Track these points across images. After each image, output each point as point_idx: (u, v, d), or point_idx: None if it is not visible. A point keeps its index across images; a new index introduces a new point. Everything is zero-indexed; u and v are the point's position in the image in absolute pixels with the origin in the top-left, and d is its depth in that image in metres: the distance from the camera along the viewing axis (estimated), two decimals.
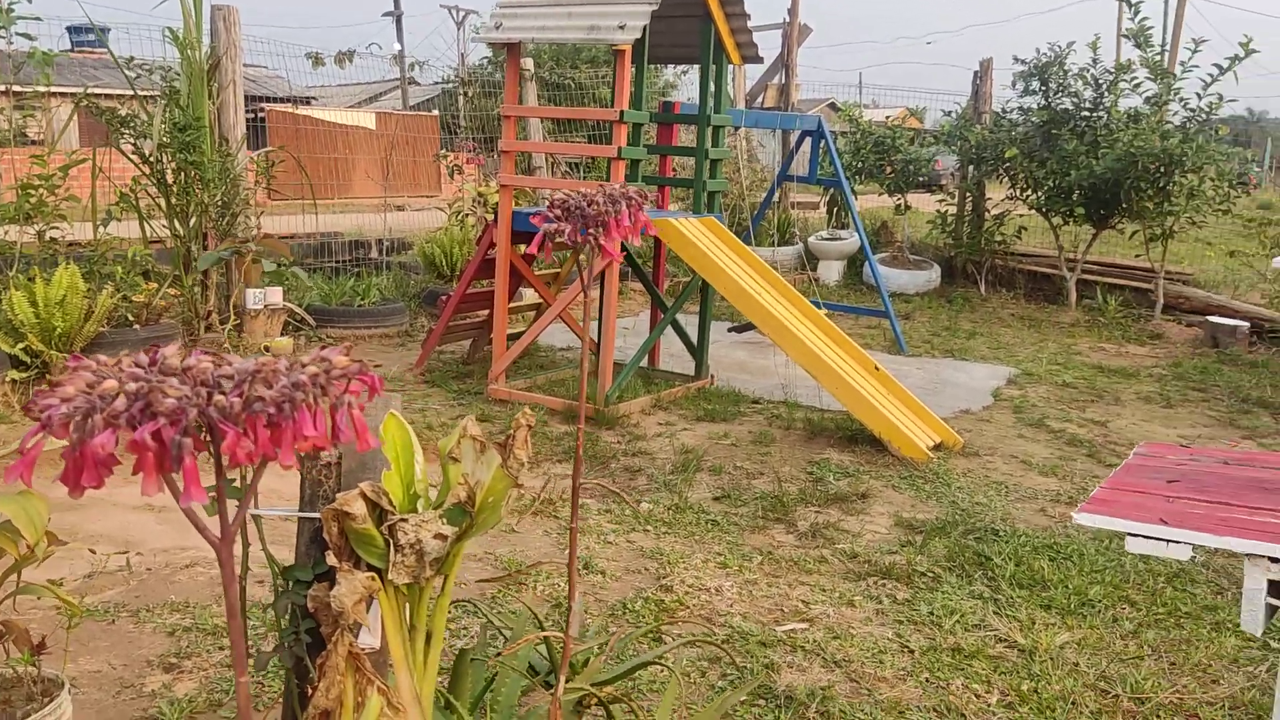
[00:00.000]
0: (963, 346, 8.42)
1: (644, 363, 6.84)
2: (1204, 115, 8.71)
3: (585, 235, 1.51)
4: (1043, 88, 9.20)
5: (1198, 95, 8.74)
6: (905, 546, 4.24)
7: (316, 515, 1.58)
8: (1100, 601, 3.80)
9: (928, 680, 3.20)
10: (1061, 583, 3.92)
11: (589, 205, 1.49)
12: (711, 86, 6.30)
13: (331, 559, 1.45)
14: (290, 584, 1.65)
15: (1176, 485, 1.95)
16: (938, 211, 10.46)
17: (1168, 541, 1.69)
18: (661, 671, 3.14)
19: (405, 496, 1.50)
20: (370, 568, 1.48)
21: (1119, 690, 3.21)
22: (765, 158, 13.84)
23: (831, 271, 10.76)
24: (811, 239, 10.91)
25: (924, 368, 7.64)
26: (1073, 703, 3.12)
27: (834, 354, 5.70)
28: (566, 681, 2.21)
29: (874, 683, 3.17)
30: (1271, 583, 1.64)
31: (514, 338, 6.49)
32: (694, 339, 6.78)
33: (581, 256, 1.68)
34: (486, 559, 3.97)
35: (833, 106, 11.66)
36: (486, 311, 6.92)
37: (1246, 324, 8.86)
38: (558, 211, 1.51)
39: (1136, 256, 10.21)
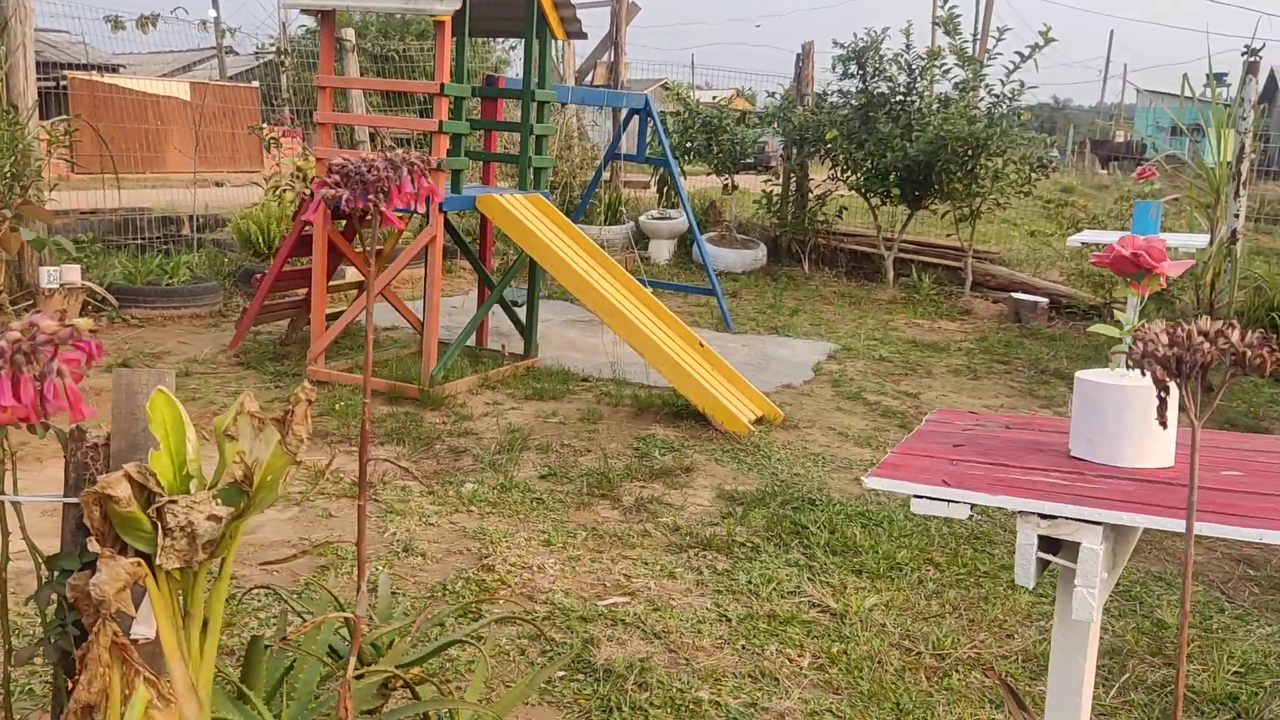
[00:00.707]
0: (787, 323, 8.64)
1: (472, 342, 6.75)
2: (1008, 101, 9.18)
3: (365, 201, 1.46)
4: (860, 72, 9.51)
5: (1001, 82, 9.21)
6: (726, 518, 4.32)
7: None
8: (908, 564, 3.96)
9: (744, 647, 3.27)
10: (872, 548, 4.07)
11: (369, 171, 1.44)
12: (536, 61, 6.23)
13: (94, 545, 1.36)
14: (55, 574, 1.54)
15: (961, 449, 2.03)
16: (763, 192, 10.68)
17: (948, 501, 1.76)
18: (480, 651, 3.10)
19: (176, 477, 1.41)
20: (139, 554, 1.39)
21: (922, 648, 3.36)
22: (599, 136, 13.85)
23: (662, 250, 10.86)
24: (642, 218, 10.98)
25: (749, 344, 7.81)
26: (879, 662, 3.25)
27: (660, 331, 5.75)
28: (372, 665, 2.15)
29: (692, 652, 3.22)
30: (1042, 538, 1.73)
31: (335, 317, 6.28)
32: (523, 317, 6.72)
33: (378, 231, 1.62)
34: (301, 545, 3.84)
35: (665, 87, 11.75)
36: (305, 290, 6.68)
37: (1046, 300, 9.42)
38: (336, 177, 1.45)
39: (947, 236, 10.71)
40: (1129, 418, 1.87)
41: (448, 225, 6.17)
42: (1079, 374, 1.94)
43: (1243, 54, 8.48)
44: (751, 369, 6.82)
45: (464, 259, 9.38)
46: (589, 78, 11.83)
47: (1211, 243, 8.40)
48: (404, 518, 4.12)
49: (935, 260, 10.67)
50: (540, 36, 6.22)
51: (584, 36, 6.47)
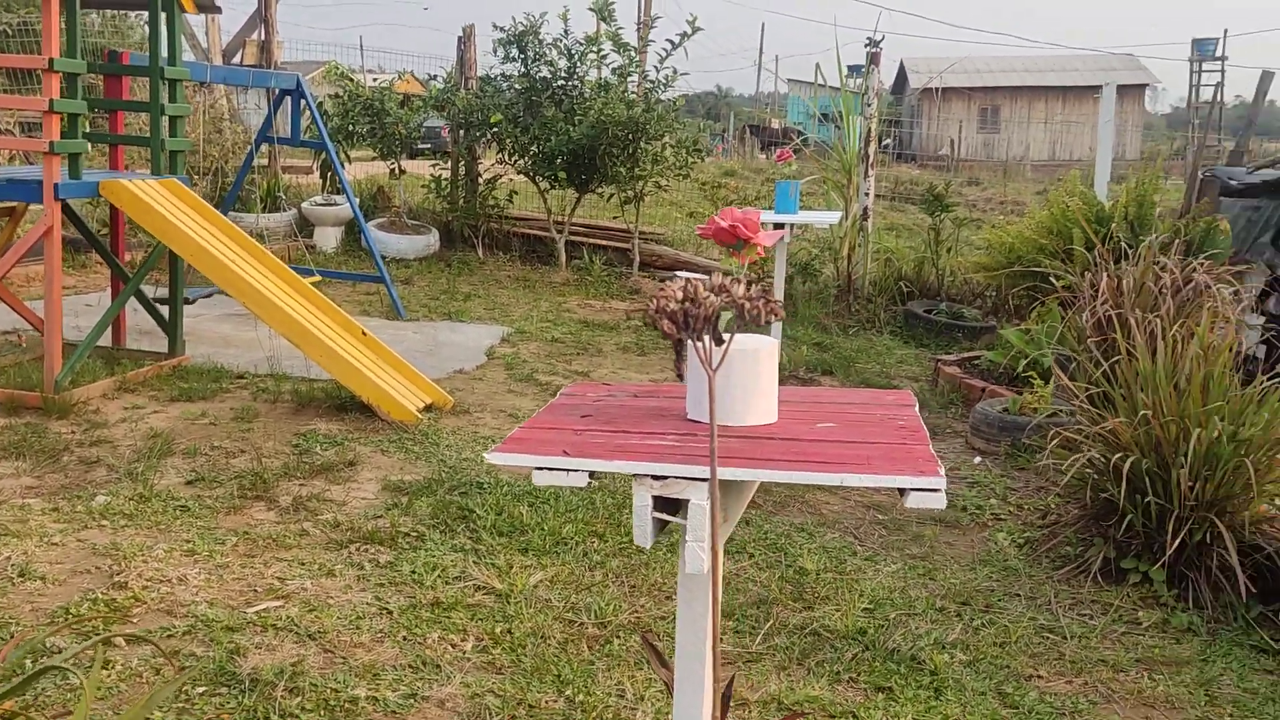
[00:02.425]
0: (460, 309, 8.57)
1: (108, 341, 6.17)
2: (663, 87, 9.56)
3: None
4: (521, 56, 9.56)
5: (656, 69, 9.57)
6: (391, 509, 4.21)
7: None
8: (573, 539, 4.03)
9: (405, 638, 3.20)
10: (539, 525, 4.11)
11: None
12: (165, 36, 5.76)
13: None
14: None
15: (588, 419, 2.06)
16: (432, 176, 10.52)
17: (567, 471, 1.78)
18: (107, 676, 2.83)
19: None
20: None
21: (585, 618, 3.42)
22: (259, 120, 13.07)
23: (329, 238, 10.44)
24: (305, 204, 10.50)
25: (421, 331, 7.67)
26: (542, 636, 3.28)
27: (319, 322, 5.52)
28: None
29: (349, 650, 3.10)
30: (656, 499, 1.78)
31: None
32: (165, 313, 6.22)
33: None
34: None
35: (332, 70, 11.29)
36: None
37: (707, 277, 9.91)
38: None
39: (614, 219, 11.02)
40: (735, 380, 1.97)
41: (73, 216, 5.60)
42: (692, 342, 2.02)
43: (866, 45, 9.30)
44: (423, 356, 6.70)
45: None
46: (238, 57, 11.12)
47: (846, 219, 9.19)
48: (20, 539, 3.69)
49: (605, 242, 10.95)
50: (167, 9, 5.75)
51: (218, 10, 6.08)
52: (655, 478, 1.77)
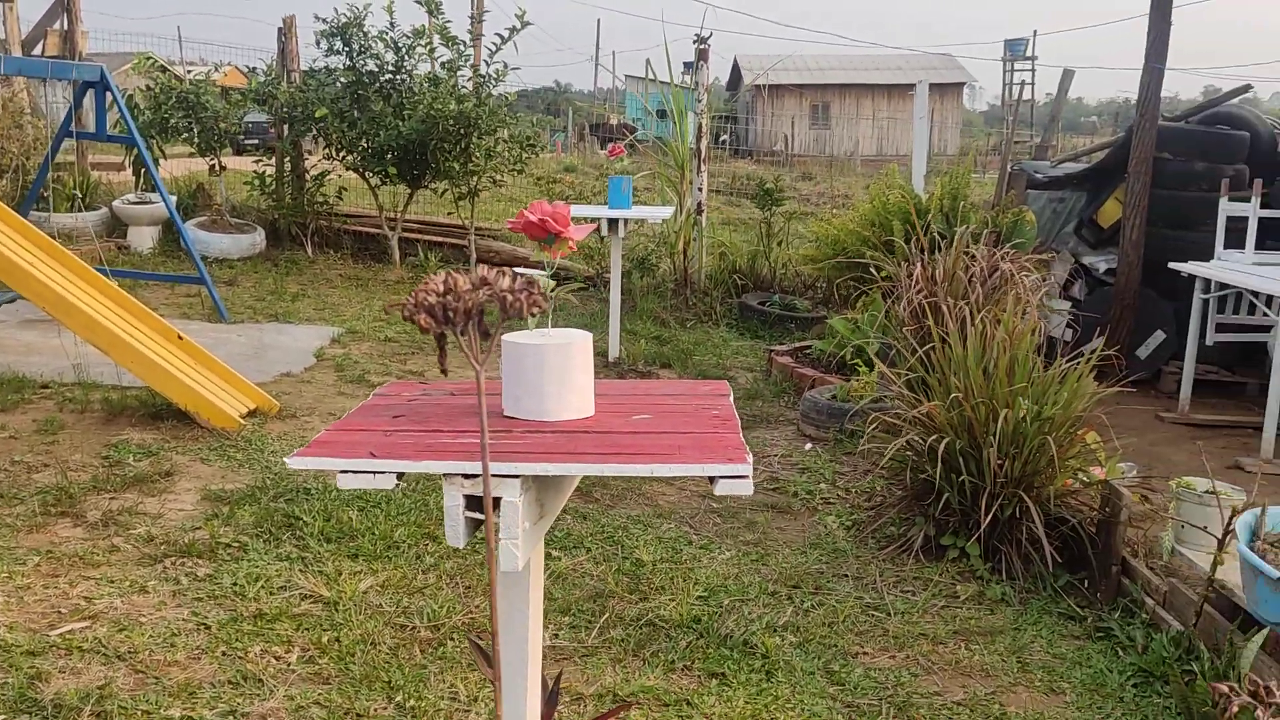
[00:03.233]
0: (288, 309, 8.27)
1: None
2: (494, 82, 9.45)
3: None
4: (346, 48, 9.29)
5: (486, 63, 9.46)
6: (211, 520, 4.02)
7: None
8: (405, 542, 3.94)
9: (224, 654, 3.06)
10: (369, 530, 4.00)
11: None
12: None
13: None
14: None
15: (400, 419, 2.01)
16: (255, 173, 10.12)
17: (373, 473, 1.73)
18: None
19: None
20: None
21: (417, 622, 3.35)
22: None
23: (144, 238, 9.90)
24: (117, 203, 9.93)
25: (246, 334, 7.37)
26: (372, 643, 3.19)
27: (128, 326, 5.22)
28: None
29: (163, 669, 2.95)
30: (468, 498, 1.75)
31: None
32: None
33: None
34: None
35: (164, 68, 10.68)
36: None
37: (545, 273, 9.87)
38: None
39: (449, 215, 10.85)
40: (548, 375, 1.95)
41: None
42: (505, 337, 1.99)
43: (695, 42, 9.43)
44: (247, 359, 6.44)
45: None
46: (39, 48, 10.43)
47: (681, 214, 9.30)
48: None
49: (441, 239, 10.77)
50: None
51: None
52: (466, 476, 1.73)
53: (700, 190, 9.41)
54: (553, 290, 2.06)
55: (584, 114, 36.70)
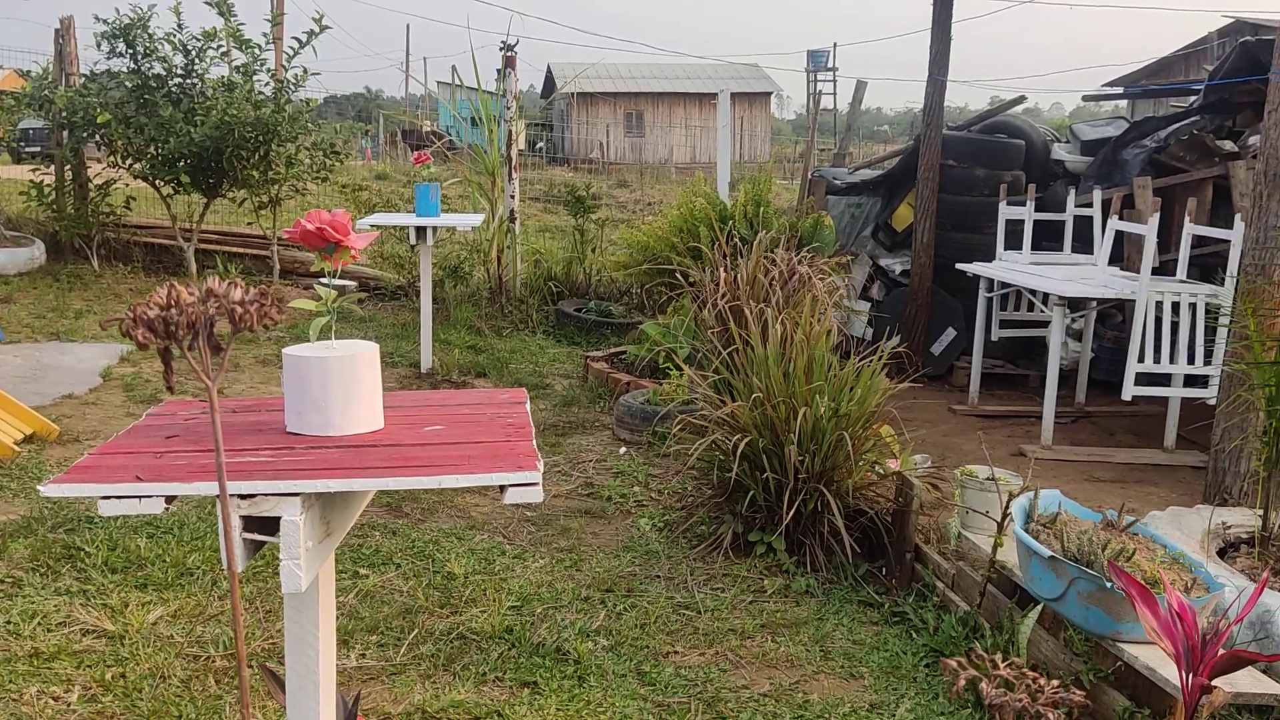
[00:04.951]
0: (71, 327, 7.75)
1: None
2: (294, 87, 9.13)
3: None
4: (130, 50, 8.77)
5: (284, 68, 9.12)
6: None
7: None
8: (200, 569, 3.76)
9: None
10: (159, 558, 3.79)
11: None
12: None
13: None
14: None
15: (174, 440, 1.90)
16: (31, 183, 9.43)
17: (140, 497, 1.64)
18: None
19: None
20: None
21: (212, 651, 3.19)
22: None
23: None
24: None
25: (22, 354, 6.86)
26: (162, 676, 3.02)
27: None
28: None
29: None
30: (246, 519, 1.67)
31: None
32: None
33: None
34: None
35: None
36: None
37: (354, 283, 9.62)
38: None
39: (249, 225, 10.42)
40: (333, 388, 1.89)
41: None
42: (286, 350, 1.92)
43: (501, 49, 9.36)
44: (24, 381, 6.01)
45: None
46: None
47: (493, 221, 9.22)
48: None
49: (242, 250, 10.32)
50: None
51: None
52: (242, 496, 1.66)
53: (513, 198, 9.35)
54: (334, 301, 1.99)
55: (396, 120, 35.97)
